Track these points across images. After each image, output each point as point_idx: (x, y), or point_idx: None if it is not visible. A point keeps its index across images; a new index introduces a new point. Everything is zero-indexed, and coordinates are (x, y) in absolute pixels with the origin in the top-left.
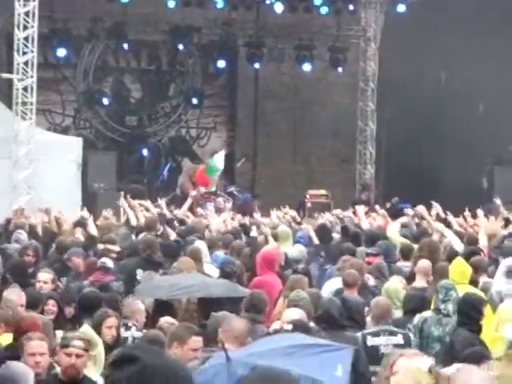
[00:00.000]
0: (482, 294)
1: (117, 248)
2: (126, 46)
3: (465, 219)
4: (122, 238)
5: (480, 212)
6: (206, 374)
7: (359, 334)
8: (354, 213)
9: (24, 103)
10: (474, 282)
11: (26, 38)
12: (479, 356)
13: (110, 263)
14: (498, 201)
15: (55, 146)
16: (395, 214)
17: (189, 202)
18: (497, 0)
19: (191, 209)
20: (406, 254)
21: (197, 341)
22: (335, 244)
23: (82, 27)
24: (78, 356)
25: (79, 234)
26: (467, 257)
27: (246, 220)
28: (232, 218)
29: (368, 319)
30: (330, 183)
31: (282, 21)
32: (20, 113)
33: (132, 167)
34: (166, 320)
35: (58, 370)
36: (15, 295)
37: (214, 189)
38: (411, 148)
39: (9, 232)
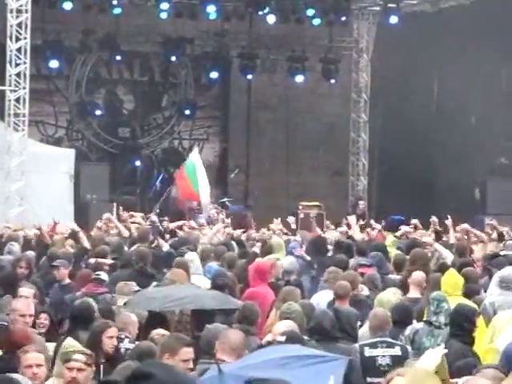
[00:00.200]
0: (474, 305)
1: (109, 261)
2: (118, 57)
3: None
4: (114, 248)
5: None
6: None
7: (357, 345)
8: (348, 224)
9: (16, 115)
10: (474, 292)
11: (19, 50)
12: (471, 368)
13: (104, 276)
14: (491, 221)
15: (48, 158)
16: (391, 229)
17: (180, 223)
18: (489, 12)
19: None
20: (399, 266)
21: (188, 352)
22: (328, 256)
23: (75, 39)
24: (79, 370)
25: (69, 247)
26: (459, 268)
27: (240, 232)
28: (225, 228)
29: (365, 330)
30: (323, 194)
31: (274, 32)
32: (12, 124)
33: (125, 178)
34: (157, 332)
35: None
36: (23, 305)
37: (206, 200)
38: (404, 159)
39: (1, 244)
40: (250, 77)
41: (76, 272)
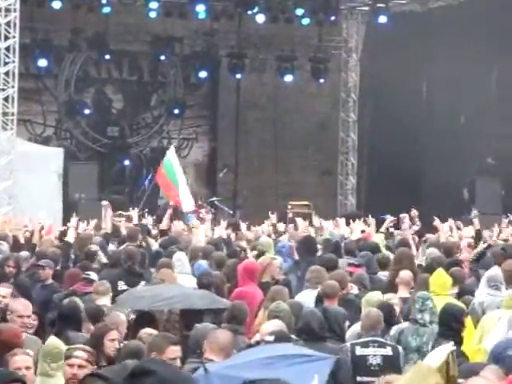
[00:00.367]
0: (462, 305)
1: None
2: (107, 56)
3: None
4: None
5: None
6: None
7: (348, 344)
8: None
9: (5, 113)
10: (467, 291)
11: (8, 48)
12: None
13: (94, 276)
14: (474, 212)
15: (36, 157)
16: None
17: (168, 213)
18: (478, 12)
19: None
20: (383, 265)
21: (175, 350)
22: (318, 256)
23: (64, 37)
24: (80, 367)
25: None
26: (447, 268)
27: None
28: (212, 229)
29: (357, 328)
30: (312, 193)
31: (263, 31)
32: (1, 123)
33: (113, 178)
34: (145, 331)
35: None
36: (20, 305)
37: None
38: (393, 159)
39: None
40: (238, 76)
41: (64, 271)
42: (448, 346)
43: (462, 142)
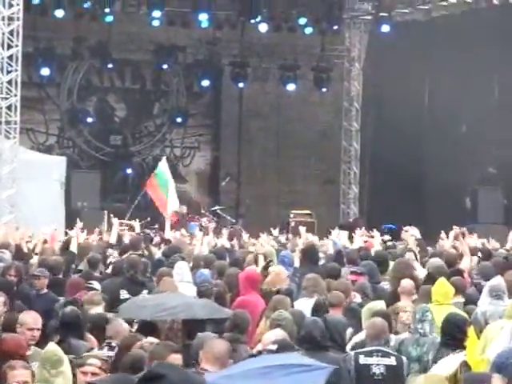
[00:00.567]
0: (465, 314)
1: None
2: (110, 65)
3: None
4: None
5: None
6: None
7: (352, 353)
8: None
9: (8, 122)
10: (470, 302)
11: (10, 57)
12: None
13: (96, 285)
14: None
15: (39, 165)
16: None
17: (168, 223)
18: (481, 21)
19: (173, 228)
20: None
21: (176, 358)
22: (320, 265)
23: (66, 46)
24: (93, 374)
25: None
26: (448, 277)
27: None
28: (215, 238)
29: (362, 337)
30: (314, 203)
31: (266, 40)
32: (4, 132)
33: (116, 186)
34: (147, 340)
35: None
36: (30, 318)
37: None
38: (395, 168)
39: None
40: (241, 85)
41: (66, 280)
42: (460, 356)
43: (464, 150)
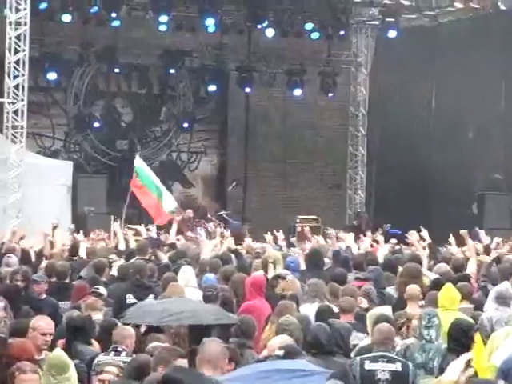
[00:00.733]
0: (471, 320)
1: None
2: (117, 69)
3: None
4: None
5: (470, 239)
6: None
7: (358, 358)
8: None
9: (14, 127)
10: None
11: (17, 62)
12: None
13: (102, 290)
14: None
15: (45, 170)
16: (386, 240)
17: (174, 227)
18: (488, 27)
19: (180, 232)
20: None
21: (182, 363)
22: (326, 269)
23: (73, 51)
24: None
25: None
26: (455, 283)
27: (238, 247)
28: (221, 242)
29: (367, 342)
30: (321, 208)
31: (273, 46)
32: (10, 136)
33: (122, 191)
34: (154, 345)
35: None
36: (43, 323)
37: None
38: (401, 173)
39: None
40: (248, 90)
41: (72, 284)
42: (465, 357)
43: (471, 155)
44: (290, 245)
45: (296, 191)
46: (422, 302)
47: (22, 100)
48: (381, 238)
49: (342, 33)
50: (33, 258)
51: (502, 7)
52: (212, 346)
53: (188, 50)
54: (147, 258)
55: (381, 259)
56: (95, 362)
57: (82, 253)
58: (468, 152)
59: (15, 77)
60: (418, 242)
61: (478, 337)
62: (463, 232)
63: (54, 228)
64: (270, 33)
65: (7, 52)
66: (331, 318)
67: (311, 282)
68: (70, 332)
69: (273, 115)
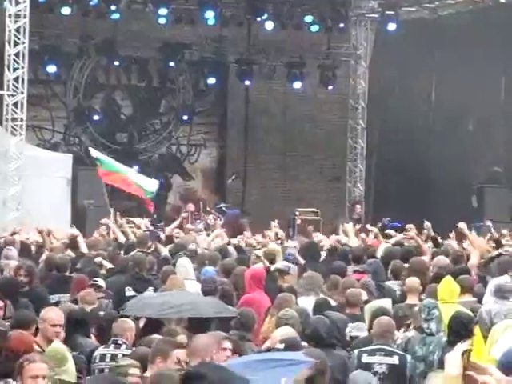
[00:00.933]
0: (470, 313)
1: (109, 264)
2: (116, 62)
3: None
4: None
5: (471, 231)
6: None
7: (356, 351)
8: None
9: (14, 119)
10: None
11: (17, 54)
12: None
13: (101, 282)
14: (489, 223)
15: (45, 162)
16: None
17: (177, 222)
18: (488, 20)
19: (180, 226)
20: (397, 273)
21: (180, 353)
22: (322, 262)
23: (73, 44)
24: None
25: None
26: (455, 275)
27: (238, 239)
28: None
29: (364, 334)
30: (320, 201)
31: (272, 38)
32: (10, 129)
33: None
34: (154, 337)
35: None
36: (53, 314)
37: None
38: (401, 166)
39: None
40: (247, 83)
41: (72, 277)
42: (460, 347)
43: (471, 149)
44: (288, 237)
45: (296, 184)
46: (424, 296)
47: (22, 92)
48: (373, 229)
49: (341, 25)
50: (33, 251)
51: (502, 0)
52: (200, 338)
53: (187, 42)
54: (147, 250)
55: (380, 253)
56: (95, 354)
57: (83, 248)
58: (468, 145)
59: (15, 69)
60: (418, 235)
61: (477, 330)
62: (461, 226)
63: (48, 234)
64: (269, 25)
65: (7, 44)
66: (328, 311)
67: (307, 274)
68: (69, 325)
69: (272, 108)
